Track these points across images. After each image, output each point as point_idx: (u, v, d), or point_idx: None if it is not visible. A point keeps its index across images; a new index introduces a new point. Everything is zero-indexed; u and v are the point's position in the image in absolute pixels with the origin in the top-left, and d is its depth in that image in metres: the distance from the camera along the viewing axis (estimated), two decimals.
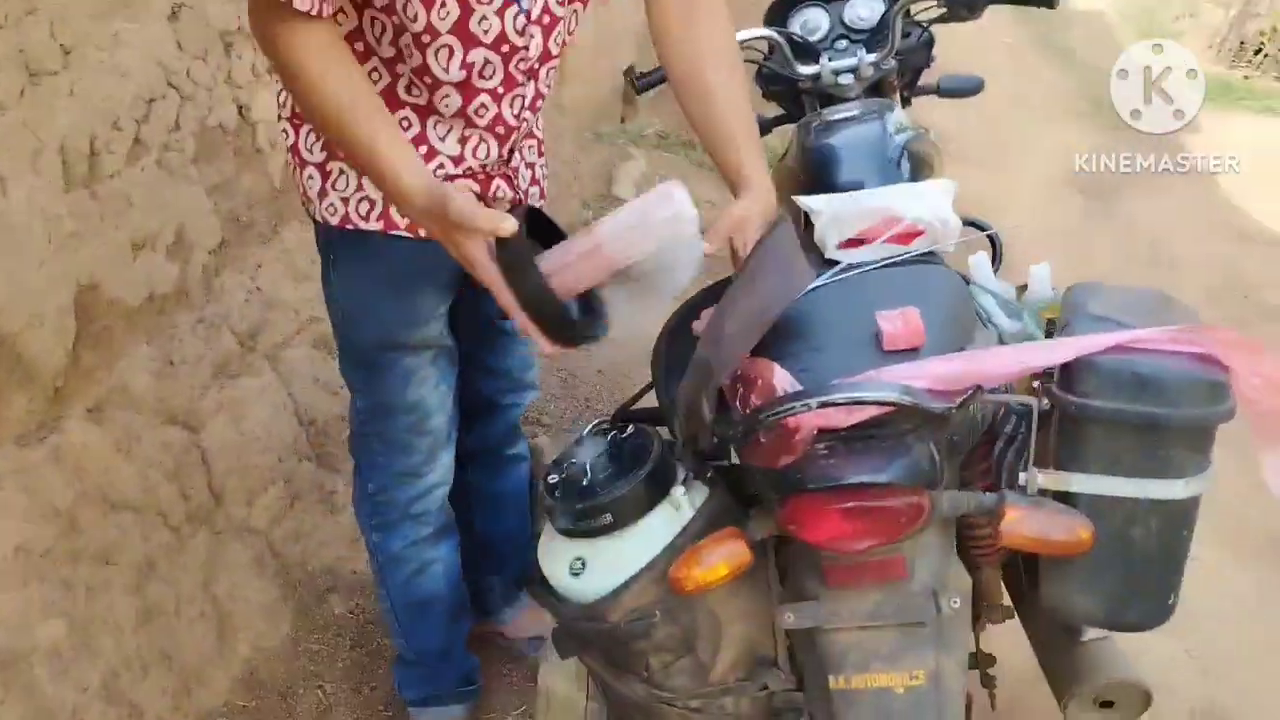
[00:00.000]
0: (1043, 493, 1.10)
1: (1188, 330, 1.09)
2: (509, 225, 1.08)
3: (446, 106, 1.25)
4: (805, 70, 2.08)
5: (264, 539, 1.80)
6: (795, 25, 2.18)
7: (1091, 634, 1.34)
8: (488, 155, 1.31)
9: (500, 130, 1.32)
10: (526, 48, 1.24)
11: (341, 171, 1.29)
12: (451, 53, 1.19)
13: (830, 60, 2.08)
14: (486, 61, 1.22)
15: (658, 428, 1.30)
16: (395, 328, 1.40)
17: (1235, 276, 3.75)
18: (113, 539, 1.51)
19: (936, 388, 1.04)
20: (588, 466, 1.22)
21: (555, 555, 1.22)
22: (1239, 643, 2.13)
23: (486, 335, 1.62)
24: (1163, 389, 1.05)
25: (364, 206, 1.31)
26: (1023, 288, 1.49)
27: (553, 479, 1.22)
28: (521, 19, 1.20)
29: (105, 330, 1.61)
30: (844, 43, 2.15)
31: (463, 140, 1.29)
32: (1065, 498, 1.10)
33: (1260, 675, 2.04)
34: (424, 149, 1.28)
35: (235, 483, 1.77)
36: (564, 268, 1.14)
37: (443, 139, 1.28)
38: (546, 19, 1.24)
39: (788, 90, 2.16)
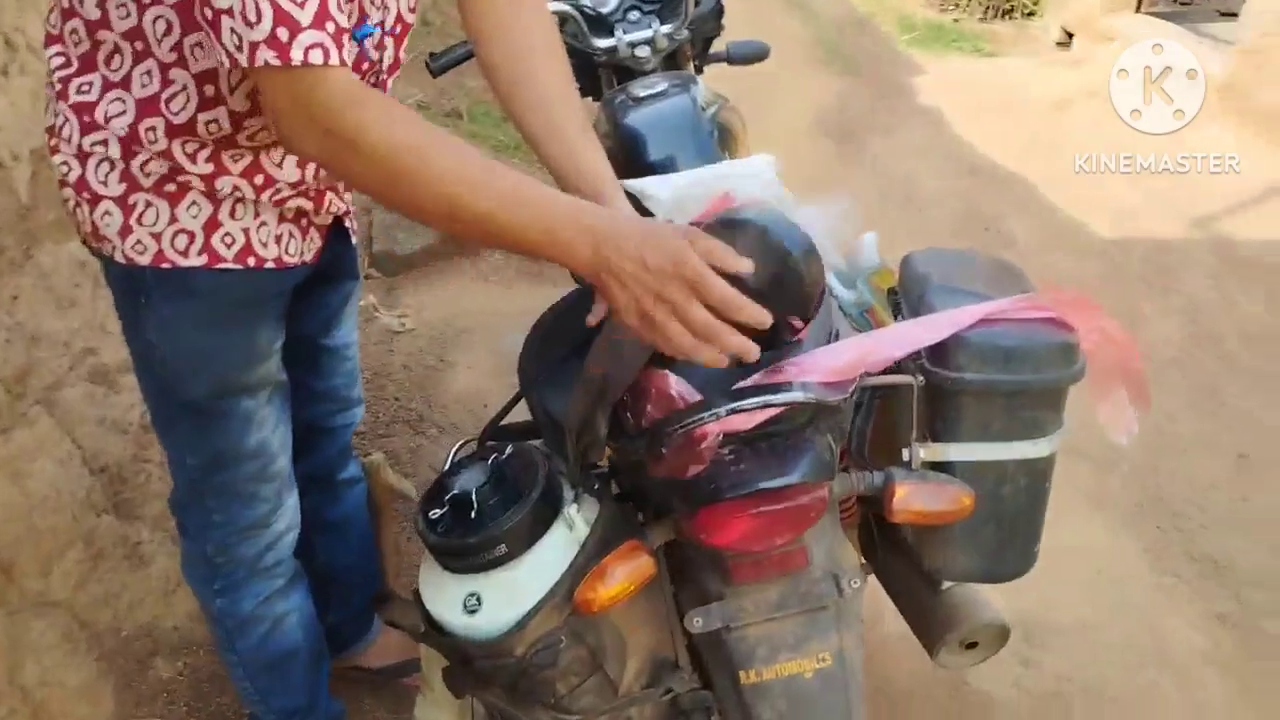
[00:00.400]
0: (924, 465, 1.15)
1: (1037, 296, 1.17)
2: (746, 265, 0.94)
3: None
4: (601, 44, 2.05)
5: (68, 610, 1.58)
6: None
7: (949, 583, 1.44)
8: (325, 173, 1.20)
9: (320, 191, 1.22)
10: (379, 60, 1.13)
11: (149, 204, 1.13)
12: None
13: (625, 33, 2.06)
14: None
15: (533, 442, 1.25)
16: (232, 370, 1.25)
17: (974, 209, 4.09)
18: None
19: (830, 380, 1.06)
20: (471, 496, 1.15)
21: (445, 594, 1.15)
22: (1081, 598, 2.31)
23: (310, 356, 1.49)
24: (1026, 357, 1.12)
25: (181, 240, 1.15)
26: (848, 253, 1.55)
27: (434, 514, 1.14)
28: (377, 35, 1.09)
29: None
30: (635, 14, 2.13)
31: (302, 163, 1.17)
32: (942, 467, 1.16)
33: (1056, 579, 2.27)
34: (260, 177, 1.15)
35: (27, 552, 1.54)
36: None
37: (279, 164, 1.16)
38: (399, 28, 1.14)
39: (582, 64, 2.10)
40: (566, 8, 2.02)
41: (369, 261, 2.81)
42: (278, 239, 1.22)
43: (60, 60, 1.15)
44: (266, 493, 1.34)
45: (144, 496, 1.82)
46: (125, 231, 1.15)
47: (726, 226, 1.04)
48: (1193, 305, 3.47)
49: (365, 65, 1.11)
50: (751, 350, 0.94)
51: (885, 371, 1.11)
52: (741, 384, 1.04)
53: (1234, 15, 5.45)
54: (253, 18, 0.88)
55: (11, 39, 1.81)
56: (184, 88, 1.09)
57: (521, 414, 1.32)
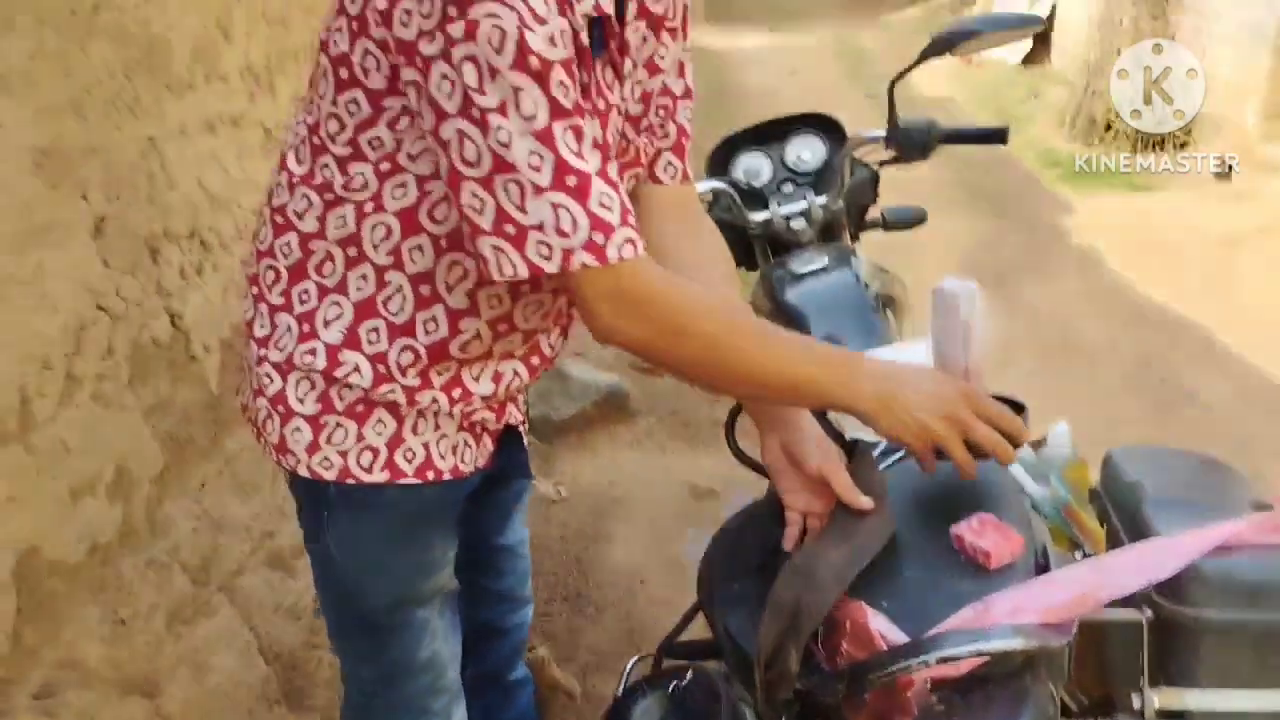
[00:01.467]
0: (1159, 714, 1.03)
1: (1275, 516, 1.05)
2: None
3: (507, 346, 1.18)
4: (757, 217, 2.05)
5: None
6: (738, 172, 2.16)
7: None
8: (519, 384, 1.22)
9: (535, 361, 1.23)
10: None
11: (338, 425, 1.15)
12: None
13: (779, 205, 2.06)
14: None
15: (712, 663, 1.19)
16: (409, 581, 1.24)
17: (1144, 359, 3.87)
18: None
19: (1051, 620, 0.97)
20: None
21: None
22: None
23: (484, 557, 1.48)
24: (1276, 593, 0.99)
25: (366, 457, 1.16)
26: (1037, 443, 1.45)
27: None
28: None
29: (48, 598, 1.40)
30: (789, 186, 2.14)
31: (496, 378, 1.19)
32: (1179, 716, 1.03)
33: None
34: (458, 391, 1.16)
35: None
36: None
37: (476, 379, 1.17)
38: None
39: (735, 237, 2.11)
40: (721, 185, 2.04)
41: (527, 428, 2.84)
42: (454, 449, 1.22)
43: (272, 275, 1.18)
44: (437, 706, 1.31)
45: (313, 684, 1.82)
46: (313, 449, 1.16)
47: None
48: None
49: None
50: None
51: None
52: (948, 625, 0.96)
53: None
54: (568, 229, 0.91)
55: (205, 239, 1.94)
56: (400, 288, 1.10)
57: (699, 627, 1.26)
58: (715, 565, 1.23)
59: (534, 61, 0.88)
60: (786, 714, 1.08)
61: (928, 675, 0.95)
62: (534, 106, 0.89)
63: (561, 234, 0.91)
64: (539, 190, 0.90)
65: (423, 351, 1.11)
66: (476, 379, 1.17)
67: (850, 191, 2.11)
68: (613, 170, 0.95)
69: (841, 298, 1.83)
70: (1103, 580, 1.00)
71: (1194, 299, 4.28)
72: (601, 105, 1.03)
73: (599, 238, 0.92)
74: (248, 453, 1.94)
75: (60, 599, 1.43)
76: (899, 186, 6.19)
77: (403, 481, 1.17)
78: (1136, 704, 1.02)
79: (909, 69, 1.95)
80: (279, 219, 1.14)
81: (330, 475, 1.16)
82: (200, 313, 1.86)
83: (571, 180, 0.91)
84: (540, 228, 0.91)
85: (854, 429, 1.45)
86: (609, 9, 0.98)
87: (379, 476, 1.16)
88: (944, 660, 0.93)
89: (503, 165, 0.90)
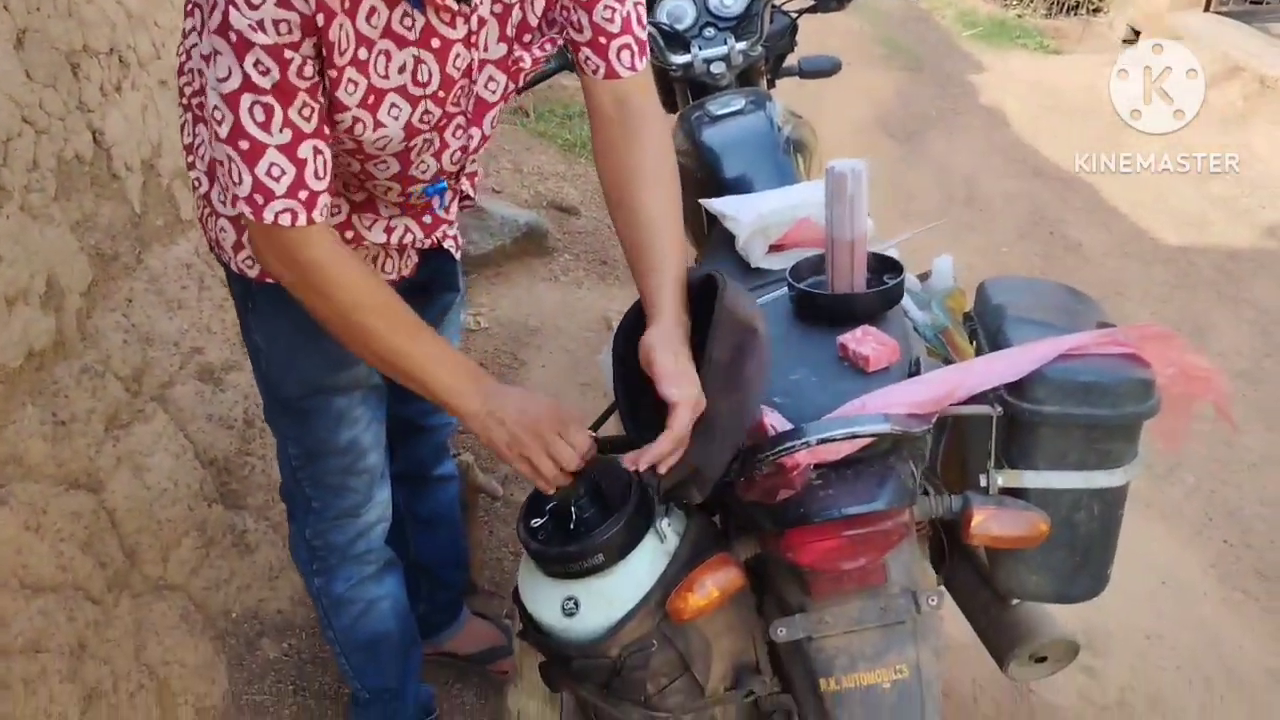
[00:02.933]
0: (1001, 491, 1.21)
1: (1117, 331, 1.22)
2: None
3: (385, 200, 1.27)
4: (678, 60, 2.11)
5: (185, 594, 1.70)
6: (661, 14, 2.20)
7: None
8: (412, 238, 1.34)
9: (427, 219, 1.33)
10: (465, 145, 1.25)
11: None
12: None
13: (701, 49, 2.11)
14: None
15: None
16: (322, 372, 1.36)
17: (1038, 212, 4.09)
18: (39, 626, 1.39)
19: (916, 411, 1.12)
20: (570, 507, 1.22)
21: (545, 597, 1.23)
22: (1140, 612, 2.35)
23: None
24: (1104, 392, 1.16)
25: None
26: (923, 276, 1.60)
27: (535, 523, 1.22)
28: (461, 129, 1.22)
29: None
30: (711, 30, 2.19)
31: (388, 230, 1.29)
32: (1018, 493, 1.21)
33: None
34: (350, 233, 1.27)
35: (148, 540, 1.66)
36: None
37: (368, 228, 1.28)
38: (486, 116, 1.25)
39: (657, 79, 2.17)
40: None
41: None
42: (374, 259, 1.32)
43: (190, 89, 1.24)
44: (357, 485, 1.45)
45: (248, 488, 1.93)
46: (237, 247, 1.27)
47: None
48: (1265, 315, 3.44)
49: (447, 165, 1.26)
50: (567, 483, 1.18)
51: (965, 401, 1.17)
52: (830, 415, 1.11)
53: None
54: (235, 180, 1.06)
55: (124, 56, 1.92)
56: None
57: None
58: (618, 362, 1.33)
59: (233, 36, 0.99)
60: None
61: (809, 459, 1.10)
62: (227, 72, 1.02)
63: (232, 181, 1.07)
64: (217, 138, 1.05)
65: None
66: (369, 228, 1.30)
67: (769, 39, 2.17)
68: (305, 150, 1.06)
69: (754, 140, 1.92)
70: (962, 379, 1.16)
71: (1089, 158, 4.49)
72: (431, 39, 1.11)
73: (259, 198, 1.06)
74: (173, 270, 1.98)
75: (1, 400, 1.50)
76: (821, 39, 6.22)
77: None
78: (984, 483, 1.20)
79: None
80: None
81: (252, 273, 1.28)
82: (121, 131, 1.86)
83: (244, 144, 1.04)
84: (222, 164, 1.07)
85: (758, 261, 1.58)
86: None
87: None
88: (822, 442, 1.08)
89: (205, 105, 1.07)
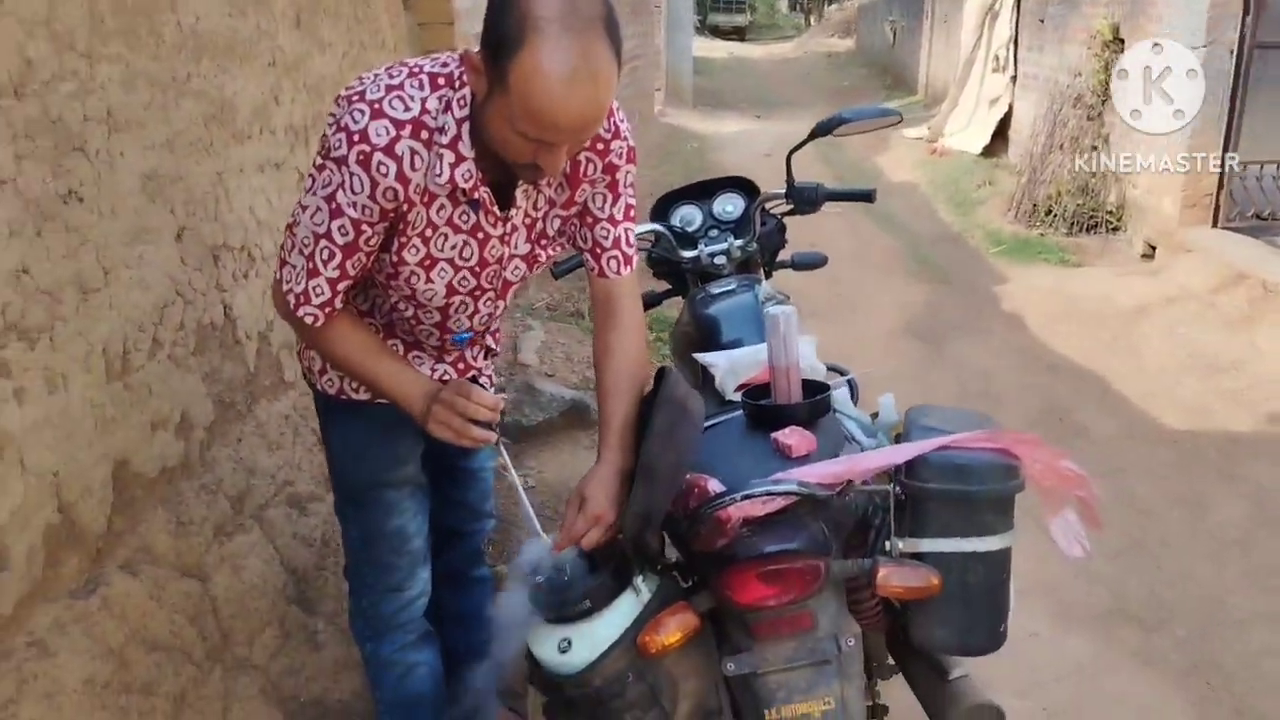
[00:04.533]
0: (901, 555, 1.53)
1: (989, 433, 1.56)
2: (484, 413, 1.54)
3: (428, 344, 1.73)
4: (687, 254, 2.60)
5: (264, 674, 2.05)
6: (675, 219, 2.71)
7: (955, 674, 1.76)
8: (450, 377, 1.77)
9: (461, 366, 1.79)
10: (491, 311, 1.72)
11: None
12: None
13: (706, 246, 2.60)
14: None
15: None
16: (381, 469, 1.76)
17: (1050, 402, 4.41)
18: (153, 675, 1.75)
19: (823, 482, 1.48)
20: (566, 566, 1.58)
21: (544, 639, 1.55)
22: (1081, 700, 2.59)
23: (450, 472, 1.98)
24: (972, 472, 1.50)
25: (353, 382, 1.70)
26: (875, 414, 1.96)
27: (539, 579, 1.58)
28: (490, 300, 1.68)
29: (132, 499, 1.89)
30: (715, 231, 2.69)
31: (432, 370, 1.74)
32: (919, 558, 1.53)
33: None
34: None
35: (240, 625, 2.03)
36: None
37: (420, 366, 1.73)
38: (509, 291, 1.71)
39: (673, 270, 2.68)
40: (660, 228, 2.59)
41: (501, 431, 3.36)
42: None
43: None
44: (402, 564, 1.82)
45: (321, 596, 2.31)
46: (322, 371, 1.73)
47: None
48: (1261, 491, 3.66)
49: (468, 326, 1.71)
50: (489, 438, 1.56)
51: (868, 482, 1.53)
52: (757, 482, 1.48)
53: None
54: (291, 282, 1.51)
55: (252, 252, 2.48)
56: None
57: None
58: None
59: (334, 204, 1.43)
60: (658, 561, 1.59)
61: (738, 512, 1.46)
62: (324, 221, 1.45)
63: (292, 273, 1.51)
64: (296, 248, 1.49)
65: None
66: (420, 365, 1.74)
67: (762, 237, 2.65)
68: (340, 286, 1.50)
69: (741, 310, 2.36)
70: (862, 461, 1.51)
71: (1099, 356, 4.84)
72: (477, 232, 1.55)
73: (301, 299, 1.50)
74: (275, 419, 2.46)
75: (139, 502, 1.93)
76: (861, 256, 6.83)
77: (377, 401, 1.69)
78: (889, 547, 1.53)
79: (799, 146, 2.55)
80: None
81: (332, 391, 1.71)
82: (245, 307, 2.39)
83: (309, 265, 1.48)
84: (285, 265, 1.52)
85: (730, 394, 1.98)
86: (483, 196, 1.49)
87: (363, 396, 1.70)
88: (746, 498, 1.44)
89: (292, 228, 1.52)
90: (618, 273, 1.70)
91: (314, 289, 1.50)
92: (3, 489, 1.53)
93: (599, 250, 1.69)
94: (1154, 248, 6.52)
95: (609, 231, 1.68)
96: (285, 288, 1.52)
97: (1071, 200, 7.14)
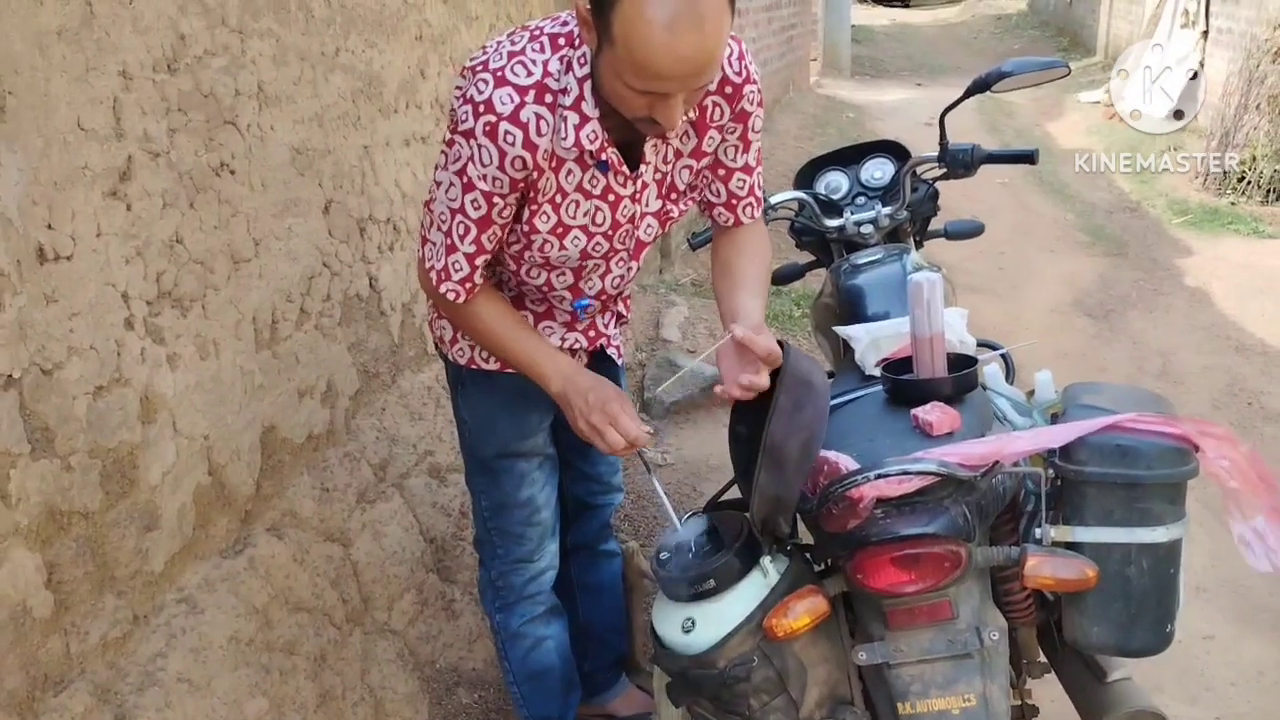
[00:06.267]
0: (1054, 544, 1.41)
1: (1167, 417, 1.41)
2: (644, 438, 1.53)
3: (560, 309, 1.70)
4: (832, 223, 2.49)
5: (402, 639, 2.10)
6: (820, 186, 2.60)
7: (1115, 676, 1.62)
8: (580, 346, 1.75)
9: (592, 334, 1.75)
10: (624, 274, 1.68)
11: None
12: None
13: (852, 214, 2.49)
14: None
15: (744, 513, 1.63)
16: (511, 439, 1.75)
17: (1237, 385, 4.05)
18: (295, 634, 1.82)
19: (966, 463, 1.37)
20: (691, 544, 1.53)
21: (668, 618, 1.52)
22: (1261, 709, 2.36)
23: (578, 445, 1.95)
24: (1138, 455, 1.36)
25: (484, 352, 1.68)
26: (1031, 393, 1.83)
27: (664, 555, 1.54)
28: (623, 261, 1.64)
29: (279, 464, 1.96)
30: (862, 199, 2.57)
31: (561, 340, 1.71)
32: (1074, 547, 1.41)
33: None
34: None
35: (379, 590, 2.09)
36: None
37: (550, 335, 1.70)
38: (642, 252, 1.67)
39: (817, 240, 2.57)
40: (804, 196, 2.49)
41: (640, 407, 3.34)
42: None
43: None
44: (532, 535, 1.81)
45: (458, 566, 2.34)
46: (453, 342, 1.72)
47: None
48: None
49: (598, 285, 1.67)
50: (631, 452, 1.57)
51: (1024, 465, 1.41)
52: (893, 461, 1.38)
53: None
54: (432, 259, 1.52)
55: (397, 225, 2.52)
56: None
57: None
58: (732, 444, 1.66)
59: (465, 178, 1.42)
60: (789, 542, 1.52)
61: (874, 493, 1.37)
62: (457, 196, 1.44)
63: (433, 252, 1.52)
64: (434, 225, 1.51)
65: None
66: (550, 335, 1.71)
67: (913, 204, 2.51)
68: (479, 261, 1.50)
69: (888, 282, 2.24)
70: (1011, 442, 1.40)
71: None
72: (608, 195, 1.51)
73: (442, 276, 1.51)
74: (418, 390, 2.51)
75: (286, 467, 2.00)
76: (1027, 228, 6.48)
77: (507, 371, 1.67)
78: (1039, 535, 1.41)
79: (955, 104, 2.38)
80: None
81: (462, 361, 1.72)
82: (390, 279, 2.44)
83: (447, 241, 1.48)
84: (427, 243, 1.54)
85: (870, 369, 1.88)
86: (610, 158, 1.45)
87: (493, 366, 1.68)
88: (880, 476, 1.35)
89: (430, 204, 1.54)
90: (752, 218, 1.68)
91: (453, 265, 1.50)
92: (155, 451, 1.60)
93: (734, 201, 1.65)
94: None
95: (744, 181, 1.64)
96: (427, 265, 1.53)
97: (1268, 165, 6.54)
